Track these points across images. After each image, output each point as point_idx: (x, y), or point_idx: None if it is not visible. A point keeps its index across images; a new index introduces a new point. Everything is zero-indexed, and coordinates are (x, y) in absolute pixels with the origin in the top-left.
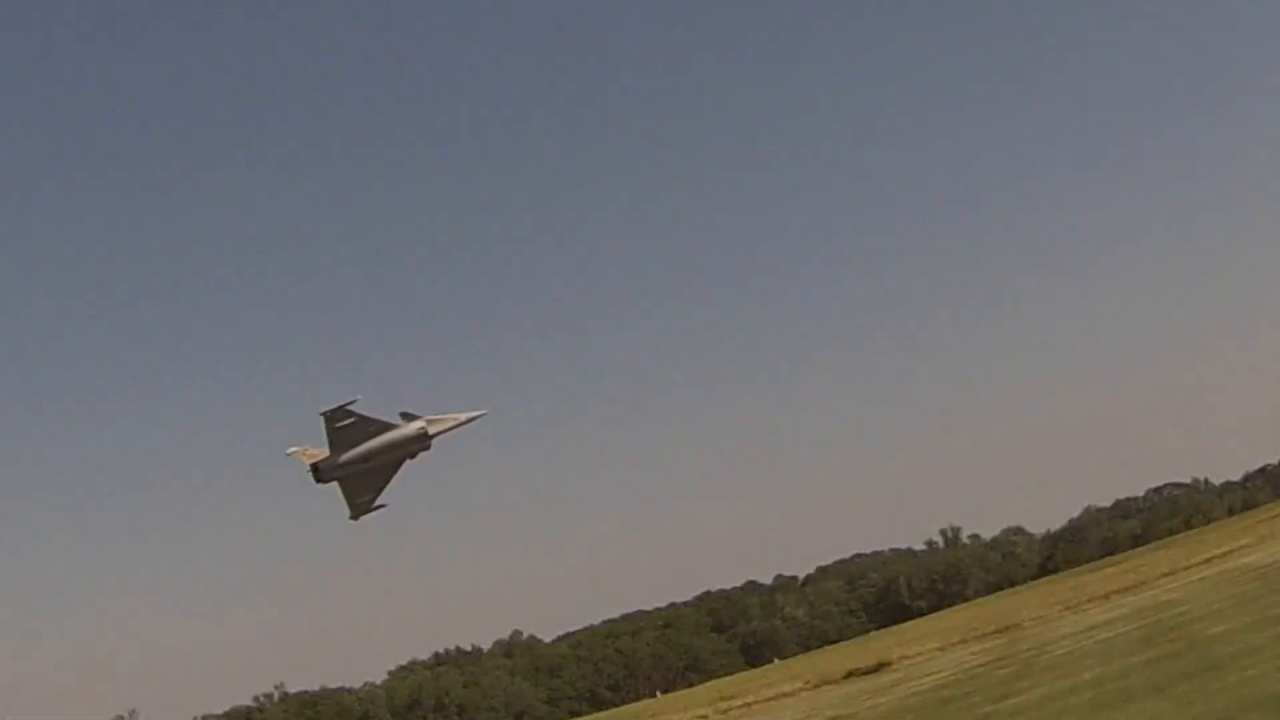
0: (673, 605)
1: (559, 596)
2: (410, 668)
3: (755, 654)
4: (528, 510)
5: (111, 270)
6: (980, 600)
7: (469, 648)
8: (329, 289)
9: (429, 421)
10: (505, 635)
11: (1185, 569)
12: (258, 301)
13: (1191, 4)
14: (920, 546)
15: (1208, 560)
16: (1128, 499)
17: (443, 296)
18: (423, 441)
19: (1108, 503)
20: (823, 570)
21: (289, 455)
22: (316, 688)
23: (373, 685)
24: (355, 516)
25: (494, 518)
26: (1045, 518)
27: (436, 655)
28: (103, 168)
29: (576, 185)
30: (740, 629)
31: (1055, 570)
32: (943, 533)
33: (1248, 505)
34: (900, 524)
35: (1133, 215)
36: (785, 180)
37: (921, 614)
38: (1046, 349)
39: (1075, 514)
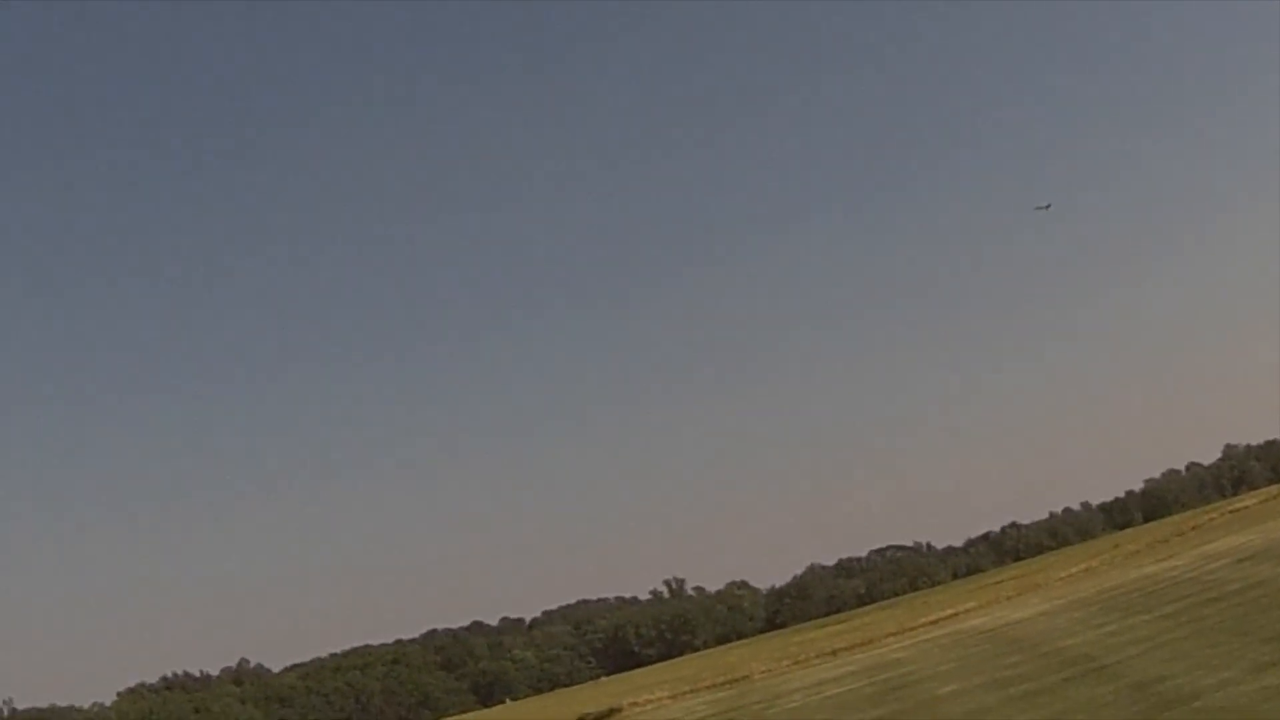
0: (399, 642)
1: (286, 627)
2: (138, 690)
3: (486, 694)
4: (254, 537)
5: None
6: (709, 651)
7: (197, 673)
8: None
9: None
10: (233, 663)
11: (911, 629)
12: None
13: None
14: (645, 596)
15: (934, 622)
16: (851, 559)
17: None
18: None
19: (831, 561)
20: (549, 614)
21: None
22: (45, 705)
23: (101, 706)
24: None
25: (220, 543)
26: (769, 573)
27: (165, 679)
28: None
29: None
30: (469, 668)
31: (782, 625)
32: (667, 583)
33: (971, 570)
34: (625, 572)
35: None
36: None
37: (650, 662)
38: (770, 407)
39: (799, 571)
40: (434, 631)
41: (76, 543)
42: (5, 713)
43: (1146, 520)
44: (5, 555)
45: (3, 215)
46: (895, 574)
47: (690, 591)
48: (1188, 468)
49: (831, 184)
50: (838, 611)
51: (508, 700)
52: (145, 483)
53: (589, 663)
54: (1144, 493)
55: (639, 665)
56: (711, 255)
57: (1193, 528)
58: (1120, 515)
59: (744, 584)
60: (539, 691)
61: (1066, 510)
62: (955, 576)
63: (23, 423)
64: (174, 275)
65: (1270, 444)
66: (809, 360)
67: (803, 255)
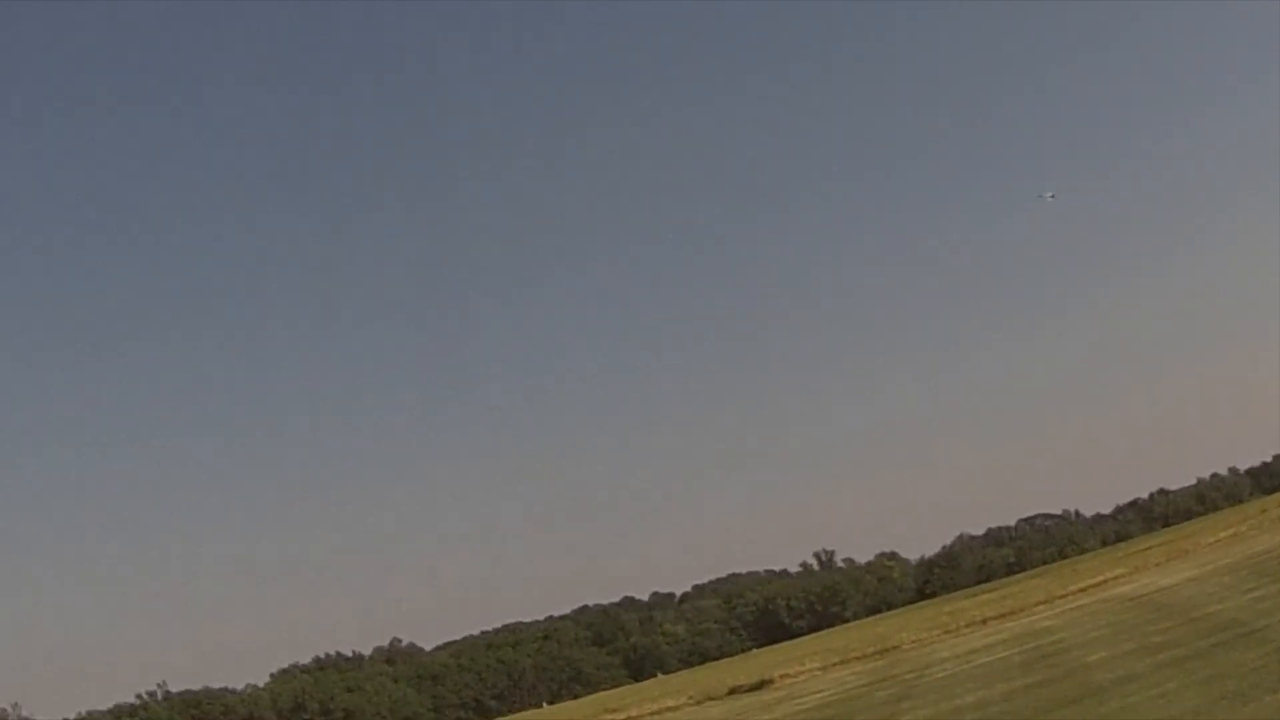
0: (550, 618)
1: (436, 606)
2: (291, 671)
3: (637, 668)
4: (403, 517)
5: None
6: (859, 622)
7: (349, 653)
8: None
9: None
10: (385, 642)
11: (1060, 597)
12: None
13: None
14: (795, 568)
15: (1082, 589)
16: (1000, 528)
17: None
18: None
19: (980, 531)
20: (699, 588)
21: None
22: (199, 687)
23: (255, 687)
24: None
25: (369, 524)
26: (919, 544)
27: (317, 660)
28: None
29: None
30: (620, 643)
31: (932, 595)
32: (817, 555)
33: (1119, 537)
34: (774, 546)
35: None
36: None
37: (801, 634)
38: (915, 378)
39: (948, 541)
40: (585, 607)
41: (228, 527)
42: (159, 696)
43: None
44: (158, 540)
45: None
46: (1044, 542)
47: (840, 563)
48: None
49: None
50: (987, 580)
51: (659, 674)
52: (295, 466)
53: (739, 635)
54: None
55: (789, 637)
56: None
57: None
58: (1268, 480)
59: (893, 555)
60: (690, 665)
61: (1214, 475)
62: (1104, 544)
63: (174, 411)
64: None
65: None
66: (951, 332)
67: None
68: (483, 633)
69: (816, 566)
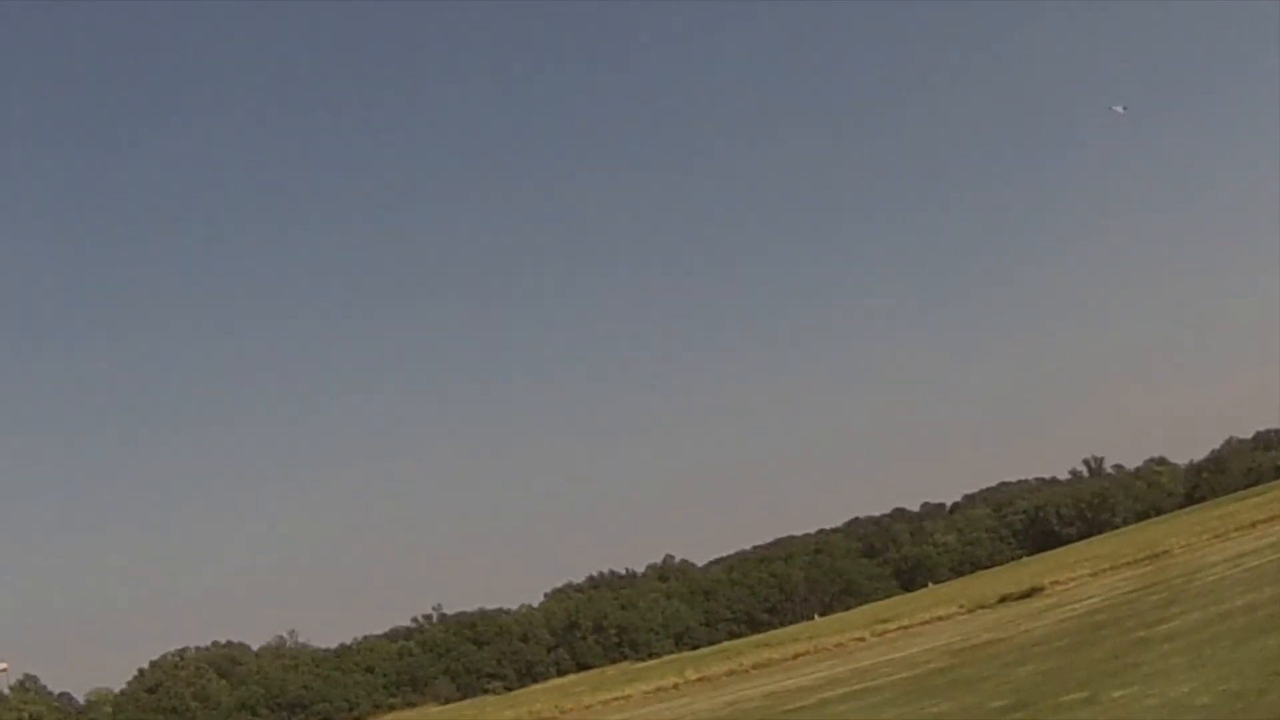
0: (821, 532)
1: (709, 522)
2: (565, 591)
3: (908, 579)
4: (676, 436)
5: None
6: (1128, 528)
7: (623, 571)
8: None
9: None
10: (658, 560)
11: None
12: None
13: None
14: (1064, 475)
15: None
16: (1269, 431)
17: None
18: None
19: (1248, 434)
20: (969, 498)
21: None
22: (474, 609)
23: (529, 607)
24: None
25: (644, 443)
26: (1188, 448)
27: (590, 578)
28: None
29: None
30: (891, 554)
31: (1201, 500)
32: (1086, 462)
33: None
34: (1044, 453)
35: None
36: None
37: (1070, 541)
38: (1184, 284)
39: (1217, 445)
40: (856, 519)
41: (506, 452)
42: (435, 618)
43: None
44: (433, 470)
45: None
46: None
47: (1109, 469)
48: None
49: None
50: (1256, 484)
51: (930, 584)
52: (577, 399)
53: (1009, 544)
54: None
55: (1059, 544)
56: None
57: None
58: None
59: (1162, 460)
60: (960, 574)
61: None
62: None
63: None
64: None
65: None
66: (1226, 241)
67: None
68: (754, 547)
69: (1086, 473)
